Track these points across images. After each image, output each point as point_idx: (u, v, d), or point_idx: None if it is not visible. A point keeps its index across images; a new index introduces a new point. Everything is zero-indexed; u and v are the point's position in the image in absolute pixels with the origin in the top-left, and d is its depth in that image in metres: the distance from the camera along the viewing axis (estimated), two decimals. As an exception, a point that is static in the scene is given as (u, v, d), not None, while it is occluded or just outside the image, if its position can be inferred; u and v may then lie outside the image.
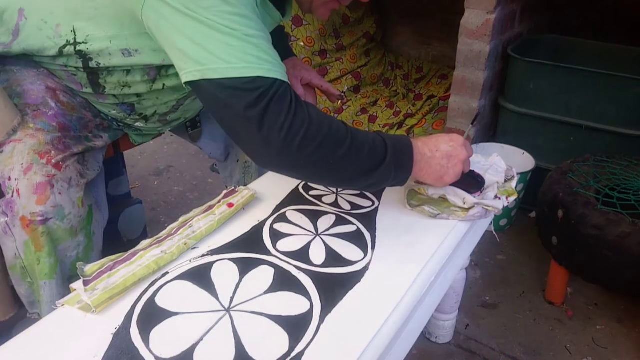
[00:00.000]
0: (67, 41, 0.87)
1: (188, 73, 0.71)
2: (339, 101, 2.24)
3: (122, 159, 1.39)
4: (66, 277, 0.88)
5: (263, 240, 0.84)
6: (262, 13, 0.85)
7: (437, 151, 0.84)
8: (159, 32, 0.73)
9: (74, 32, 0.86)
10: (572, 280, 1.38)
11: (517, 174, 1.04)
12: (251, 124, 0.70)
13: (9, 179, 0.79)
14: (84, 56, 0.88)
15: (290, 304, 0.70)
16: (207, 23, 0.68)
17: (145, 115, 1.02)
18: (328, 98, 1.22)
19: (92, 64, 0.89)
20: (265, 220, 0.90)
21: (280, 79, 0.72)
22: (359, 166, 0.77)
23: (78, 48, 0.87)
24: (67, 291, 0.86)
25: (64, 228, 0.83)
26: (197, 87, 0.72)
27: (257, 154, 0.74)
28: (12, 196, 0.79)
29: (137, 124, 1.05)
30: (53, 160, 0.82)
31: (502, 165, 1.03)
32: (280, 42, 1.23)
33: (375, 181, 0.79)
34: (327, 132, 0.73)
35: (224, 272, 0.76)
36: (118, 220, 1.38)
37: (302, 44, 2.32)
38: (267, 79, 0.70)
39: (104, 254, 0.80)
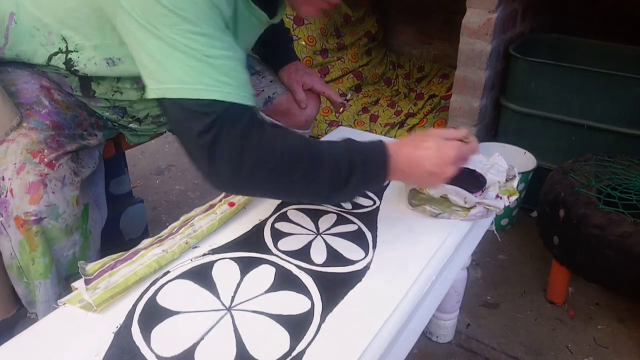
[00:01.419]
0: (60, 49, 0.88)
1: (151, 90, 0.70)
2: (341, 108, 2.24)
3: (124, 158, 1.39)
4: (62, 276, 0.87)
5: (264, 239, 0.84)
6: (246, 16, 0.84)
7: (418, 168, 0.78)
8: (128, 45, 0.73)
9: (65, 41, 0.87)
10: (574, 280, 1.38)
11: (519, 173, 1.04)
12: (203, 150, 0.69)
13: (2, 179, 0.79)
14: (71, 66, 0.89)
15: (291, 303, 0.70)
16: (168, 41, 0.67)
17: (138, 118, 1.02)
18: (331, 104, 1.22)
19: (80, 73, 0.90)
20: (267, 219, 0.90)
21: (238, 103, 0.70)
22: (317, 189, 0.74)
23: (69, 56, 0.88)
24: (62, 291, 0.86)
25: (59, 227, 0.83)
26: (161, 104, 0.71)
27: (209, 180, 0.73)
28: (6, 196, 0.79)
29: (131, 125, 1.06)
30: (46, 159, 0.81)
31: (504, 164, 1.03)
32: (283, 45, 1.23)
33: (341, 199, 0.77)
34: (279, 159, 0.71)
35: (225, 271, 0.76)
36: (119, 220, 1.38)
37: (303, 43, 2.32)
38: (223, 102, 0.69)
39: (105, 253, 0.80)
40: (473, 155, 0.84)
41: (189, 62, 0.68)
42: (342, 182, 0.74)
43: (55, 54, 0.88)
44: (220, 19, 0.72)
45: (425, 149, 0.77)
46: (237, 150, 0.69)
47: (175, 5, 0.66)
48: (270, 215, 0.91)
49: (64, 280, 0.87)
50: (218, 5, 0.71)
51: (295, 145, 0.73)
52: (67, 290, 0.72)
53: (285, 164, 0.71)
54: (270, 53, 1.22)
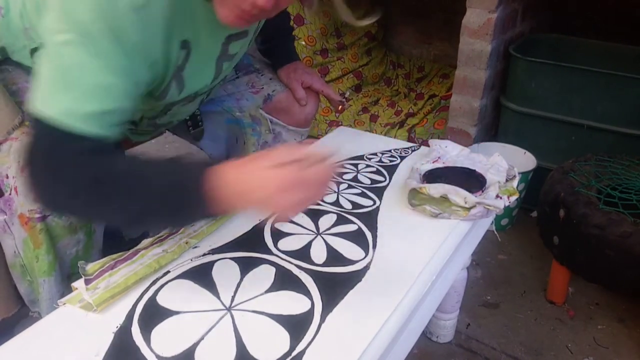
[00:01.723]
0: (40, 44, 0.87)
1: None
2: (340, 106, 2.24)
3: (124, 158, 1.39)
4: (65, 274, 0.87)
5: (264, 239, 0.84)
6: (212, 27, 0.80)
7: (247, 203, 0.66)
8: None
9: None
10: (574, 280, 1.38)
11: (519, 173, 1.04)
12: (25, 172, 0.66)
13: (7, 177, 0.80)
14: None
15: (291, 303, 0.70)
16: (52, 57, 0.66)
17: (134, 120, 1.01)
18: (329, 103, 1.22)
19: None
20: (267, 219, 0.89)
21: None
22: (123, 216, 0.68)
23: None
24: (66, 289, 0.86)
25: (63, 225, 0.83)
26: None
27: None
28: (10, 194, 0.79)
29: (126, 126, 1.04)
30: None
31: (504, 164, 1.03)
32: (284, 44, 1.23)
33: (155, 227, 0.71)
34: (87, 189, 0.66)
35: (225, 271, 0.76)
36: (119, 219, 1.37)
37: (303, 43, 2.32)
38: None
39: (105, 253, 0.80)
40: (329, 179, 0.67)
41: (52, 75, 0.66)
42: (149, 211, 0.67)
43: (36, 49, 0.86)
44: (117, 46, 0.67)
45: (249, 178, 0.64)
46: (48, 181, 0.66)
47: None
48: (271, 215, 0.91)
49: (66, 278, 0.88)
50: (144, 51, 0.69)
51: (104, 175, 0.66)
52: (70, 288, 0.72)
53: (92, 194, 0.66)
54: (270, 51, 1.22)
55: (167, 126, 1.11)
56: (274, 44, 1.19)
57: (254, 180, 0.63)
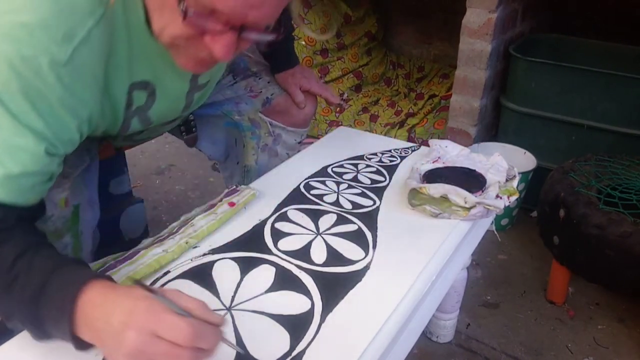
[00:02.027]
0: None
1: None
2: (338, 108, 2.24)
3: (124, 158, 1.39)
4: None
5: (264, 239, 0.84)
6: (175, 67, 0.75)
7: (98, 345, 0.56)
8: None
9: None
10: (574, 279, 1.38)
11: (519, 173, 1.04)
12: None
13: None
14: None
15: (291, 303, 0.70)
16: None
17: (110, 135, 0.96)
18: (328, 103, 1.22)
19: None
20: (267, 219, 0.89)
21: None
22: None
23: None
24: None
25: (48, 230, 0.82)
26: None
27: None
28: None
29: (103, 141, 1.01)
30: None
31: (504, 164, 1.03)
32: (282, 49, 1.22)
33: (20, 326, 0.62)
34: None
35: (225, 271, 0.76)
36: (119, 219, 1.38)
37: (303, 43, 2.32)
38: None
39: (105, 253, 0.80)
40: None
41: None
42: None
43: None
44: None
45: (106, 326, 0.54)
46: None
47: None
48: (270, 215, 0.91)
49: None
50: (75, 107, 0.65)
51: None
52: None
53: None
54: (268, 54, 1.21)
55: (145, 141, 1.09)
56: (273, 48, 1.19)
57: (109, 330, 0.53)
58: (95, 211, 0.97)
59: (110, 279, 0.61)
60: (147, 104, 0.83)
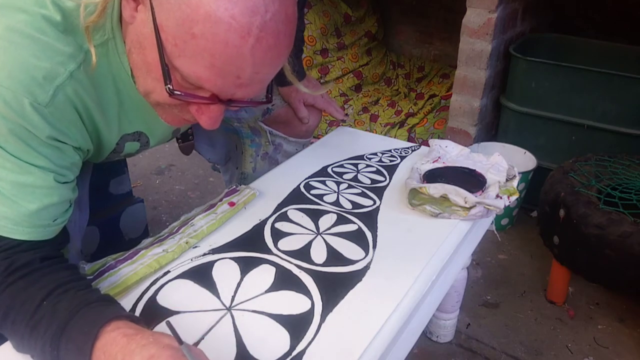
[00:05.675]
0: None
1: None
2: (343, 121, 2.22)
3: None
4: None
5: (264, 239, 0.84)
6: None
7: None
8: None
9: None
10: (574, 279, 1.38)
11: (519, 173, 1.04)
12: None
13: None
14: None
15: (292, 303, 0.70)
16: None
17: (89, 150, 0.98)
18: (332, 117, 1.21)
19: None
20: (267, 219, 0.89)
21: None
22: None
23: None
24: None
25: None
26: None
27: None
28: None
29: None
30: None
31: (504, 164, 1.03)
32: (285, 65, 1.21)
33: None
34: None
35: (225, 271, 0.76)
36: (119, 219, 1.38)
37: (303, 43, 2.32)
38: None
39: (105, 253, 0.80)
40: None
41: None
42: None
43: None
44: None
45: None
46: None
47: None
48: (270, 215, 0.91)
49: None
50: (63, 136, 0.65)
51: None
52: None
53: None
54: None
55: (127, 158, 1.09)
56: None
57: None
58: (83, 213, 0.96)
59: (134, 317, 0.61)
60: (138, 151, 0.84)
